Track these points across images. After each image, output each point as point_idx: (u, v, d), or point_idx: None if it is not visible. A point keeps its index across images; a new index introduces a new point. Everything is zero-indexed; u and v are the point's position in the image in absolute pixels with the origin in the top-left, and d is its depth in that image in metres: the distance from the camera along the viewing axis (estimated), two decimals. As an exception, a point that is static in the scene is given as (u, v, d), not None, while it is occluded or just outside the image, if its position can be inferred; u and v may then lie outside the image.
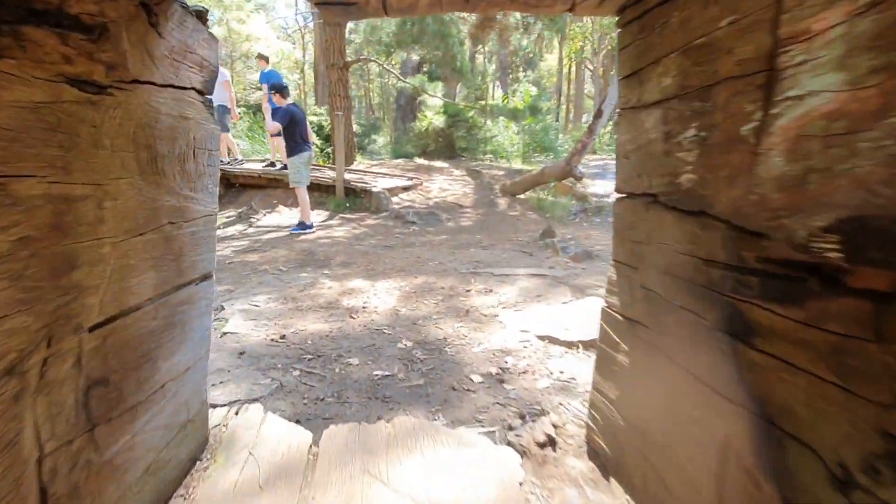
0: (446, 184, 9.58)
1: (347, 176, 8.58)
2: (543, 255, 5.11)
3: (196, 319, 1.44)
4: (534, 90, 17.11)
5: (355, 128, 16.28)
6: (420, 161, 12.67)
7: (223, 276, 4.47)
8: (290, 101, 6.34)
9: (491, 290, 3.83)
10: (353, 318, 3.26)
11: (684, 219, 1.10)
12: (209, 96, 1.33)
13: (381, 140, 22.47)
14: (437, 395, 2.20)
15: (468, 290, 3.86)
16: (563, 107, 30.76)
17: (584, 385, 2.25)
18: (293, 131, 6.14)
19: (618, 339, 1.48)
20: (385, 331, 3.00)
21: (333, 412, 2.04)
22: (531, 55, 32.91)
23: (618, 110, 1.40)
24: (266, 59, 8.54)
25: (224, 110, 8.15)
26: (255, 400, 2.09)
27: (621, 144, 1.41)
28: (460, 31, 9.01)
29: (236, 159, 9.09)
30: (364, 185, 7.77)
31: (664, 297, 1.20)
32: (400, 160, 12.40)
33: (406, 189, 8.49)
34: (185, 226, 1.34)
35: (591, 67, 34.39)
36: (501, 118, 12.41)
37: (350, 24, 10.16)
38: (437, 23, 8.06)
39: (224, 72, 8.48)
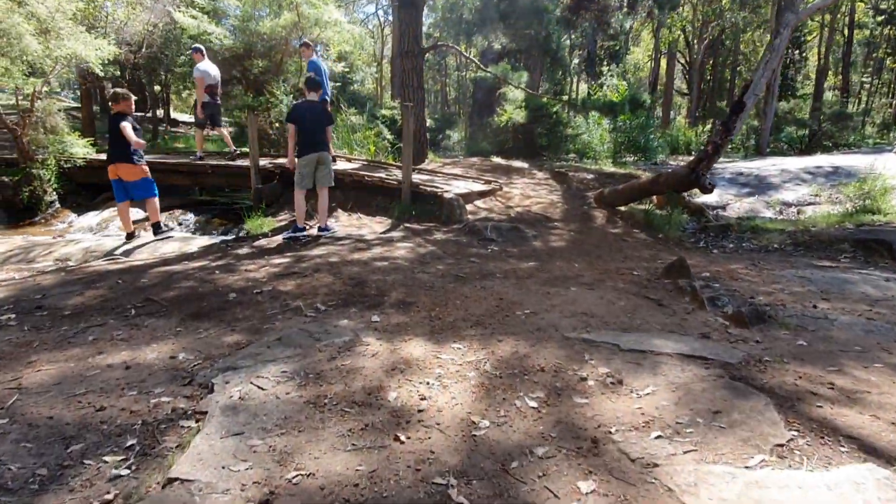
0: (529, 189, 8.04)
1: (416, 178, 7.28)
2: (680, 307, 3.49)
3: None
4: (624, 84, 15.03)
5: (429, 122, 15.07)
6: (497, 160, 11.19)
7: (243, 316, 3.28)
8: (312, 96, 5.47)
9: (621, 383, 2.33)
10: (401, 440, 1.88)
11: None
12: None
13: (455, 136, 21.15)
14: None
15: (584, 379, 2.38)
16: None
17: None
18: (298, 131, 5.40)
19: None
20: (451, 492, 1.60)
21: None
22: (617, 48, 30.34)
23: None
24: (309, 47, 7.64)
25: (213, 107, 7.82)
26: None
27: None
28: (557, 6, 7.36)
29: (232, 152, 8.52)
30: (434, 189, 6.43)
31: None
32: (475, 159, 10.97)
33: (483, 195, 7.06)
34: None
35: (682, 61, 31.18)
36: (593, 113, 10.61)
37: (428, 3, 8.68)
38: (530, -5, 6.48)
39: (200, 66, 7.63)
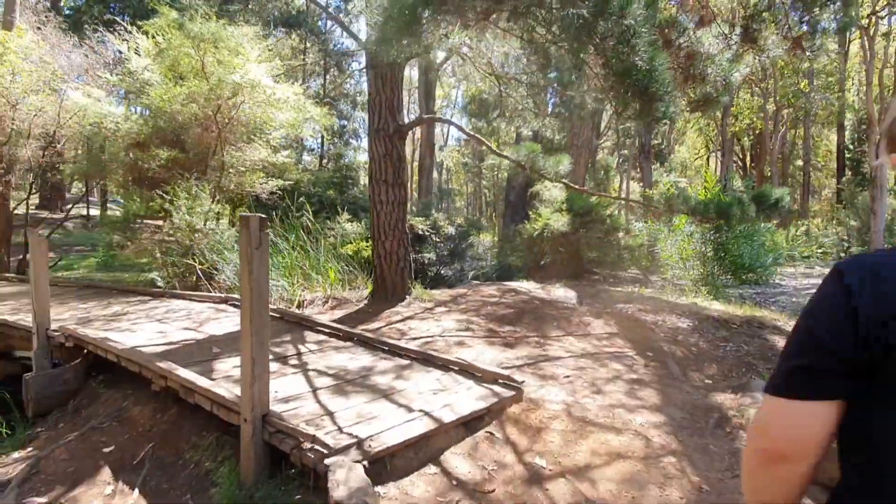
0: (582, 380, 3.62)
1: (337, 364, 3.10)
2: None
3: None
4: (681, 181, 10.93)
5: (451, 230, 11.19)
6: (527, 288, 6.94)
7: None
8: None
9: None
10: None
11: None
12: None
13: (486, 241, 17.19)
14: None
15: None
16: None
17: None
18: None
19: None
20: None
21: None
22: (662, 146, 26.81)
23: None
24: None
25: None
26: None
27: None
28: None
29: None
30: (319, 446, 2.13)
31: None
32: (492, 289, 6.75)
33: (472, 427, 2.66)
34: None
35: (737, 159, 27.12)
36: (677, 218, 6.37)
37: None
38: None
39: None
